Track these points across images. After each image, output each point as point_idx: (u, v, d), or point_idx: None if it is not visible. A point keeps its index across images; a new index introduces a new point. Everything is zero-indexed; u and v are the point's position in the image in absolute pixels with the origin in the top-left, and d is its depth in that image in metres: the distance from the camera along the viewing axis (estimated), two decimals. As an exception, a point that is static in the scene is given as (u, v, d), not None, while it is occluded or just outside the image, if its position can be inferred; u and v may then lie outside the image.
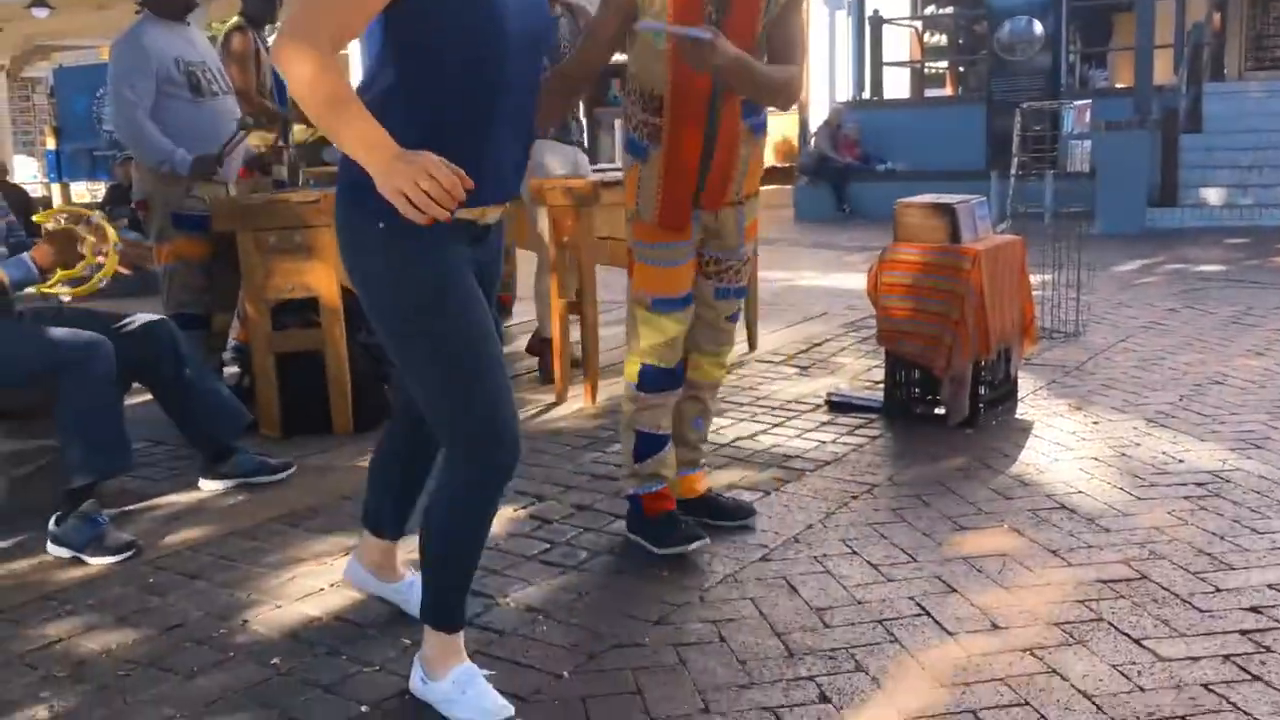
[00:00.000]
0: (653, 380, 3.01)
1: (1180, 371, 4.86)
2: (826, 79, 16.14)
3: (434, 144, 1.89)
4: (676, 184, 2.88)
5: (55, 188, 10.93)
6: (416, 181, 1.78)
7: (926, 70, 16.92)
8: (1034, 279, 4.71)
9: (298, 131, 6.44)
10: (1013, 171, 5.60)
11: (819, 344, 5.64)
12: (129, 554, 3.09)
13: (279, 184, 5.01)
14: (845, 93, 15.80)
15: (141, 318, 3.49)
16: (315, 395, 4.24)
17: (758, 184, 3.08)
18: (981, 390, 4.15)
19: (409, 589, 2.60)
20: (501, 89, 2.06)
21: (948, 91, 16.41)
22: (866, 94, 14.34)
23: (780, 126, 17.88)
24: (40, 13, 10.93)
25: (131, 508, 3.52)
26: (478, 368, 2.09)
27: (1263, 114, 11.90)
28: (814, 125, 15.06)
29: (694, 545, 3.00)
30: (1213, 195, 11.05)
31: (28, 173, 11.92)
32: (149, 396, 3.68)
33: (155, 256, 4.60)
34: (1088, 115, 5.46)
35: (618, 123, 3.16)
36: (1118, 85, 14.57)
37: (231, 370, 4.81)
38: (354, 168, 1.97)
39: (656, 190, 2.90)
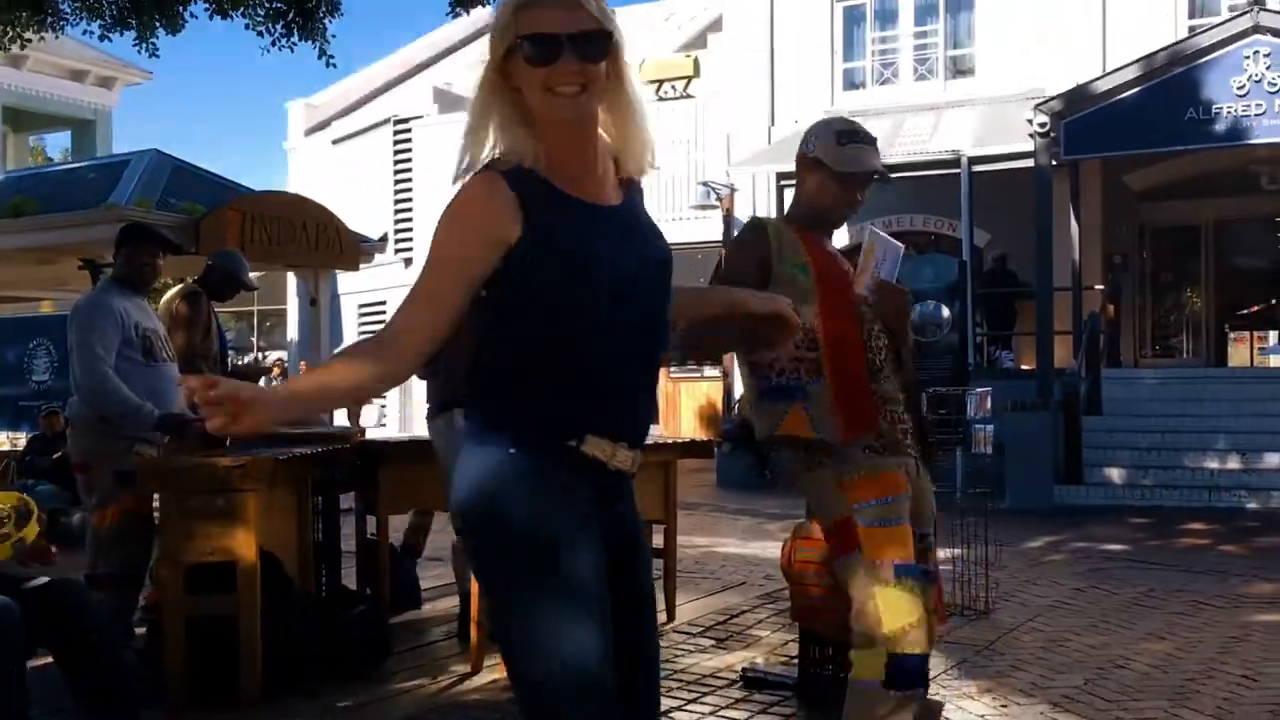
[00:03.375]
0: (914, 672, 2.63)
1: (1085, 654, 4.96)
2: (749, 351, 16.81)
3: (544, 373, 1.96)
4: (849, 386, 2.83)
5: (-25, 436, 10.82)
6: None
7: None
8: (943, 554, 4.83)
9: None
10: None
11: (736, 615, 5.68)
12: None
13: (206, 443, 5.06)
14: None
15: (48, 580, 3.45)
16: (224, 661, 4.16)
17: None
18: (893, 670, 4.20)
19: None
20: (609, 329, 1.97)
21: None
22: (787, 367, 14.92)
23: (705, 390, 18.47)
24: (-21, 263, 11.07)
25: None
26: (570, 641, 1.87)
27: (1158, 399, 12.59)
28: (737, 393, 15.58)
29: None
30: (1115, 474, 11.51)
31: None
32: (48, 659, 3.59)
33: (97, 520, 4.60)
34: (989, 401, 5.79)
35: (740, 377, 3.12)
36: (1023, 367, 15.38)
37: (140, 631, 4.72)
38: (484, 409, 2.01)
39: (831, 404, 2.82)
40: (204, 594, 4.19)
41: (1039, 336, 12.75)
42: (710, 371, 18.14)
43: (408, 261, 20.91)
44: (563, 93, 1.93)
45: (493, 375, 2.02)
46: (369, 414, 10.96)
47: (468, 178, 1.99)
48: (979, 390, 5.80)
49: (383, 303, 21.49)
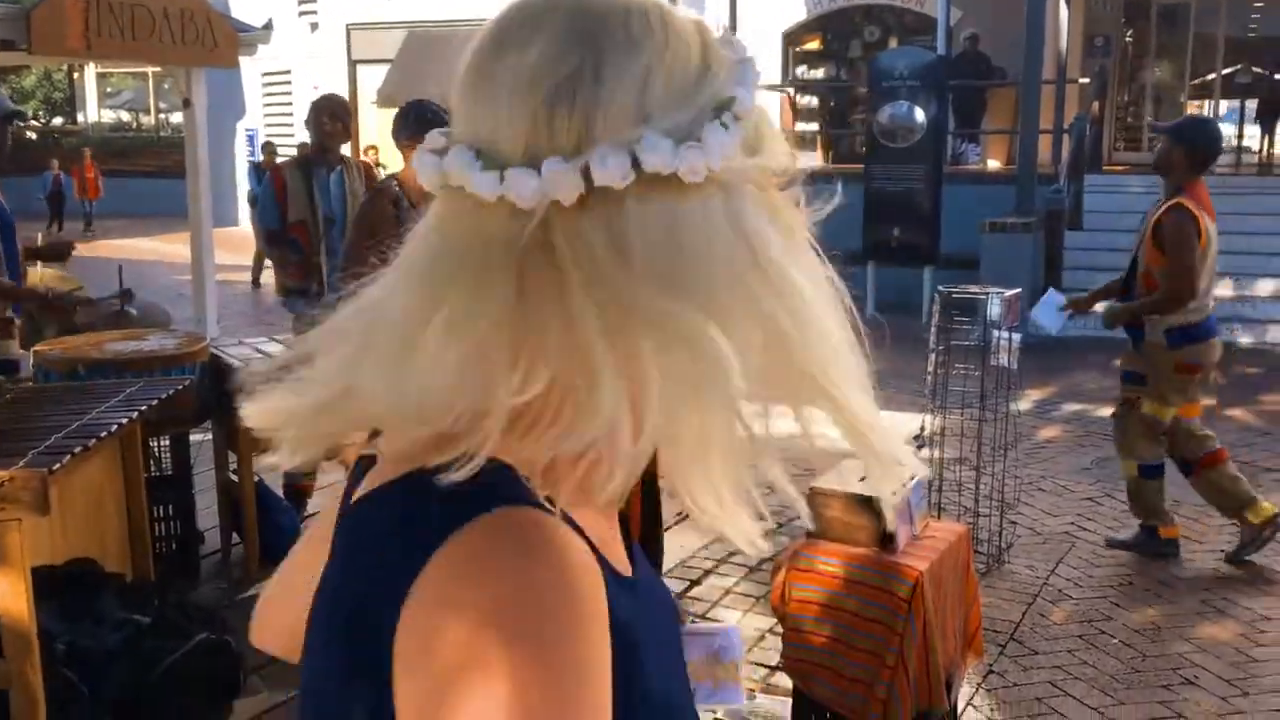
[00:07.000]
0: None
1: (1135, 651, 3.99)
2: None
3: None
4: None
5: None
6: None
7: (797, 132, 16.24)
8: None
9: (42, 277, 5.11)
10: (929, 369, 4.67)
11: (706, 571, 4.59)
12: None
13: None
14: (713, 158, 14.99)
15: None
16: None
17: None
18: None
19: None
20: None
21: (817, 157, 15.73)
22: (736, 163, 13.49)
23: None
24: None
25: None
26: None
27: (1142, 211, 11.44)
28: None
29: None
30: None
31: None
32: None
33: None
34: (1019, 306, 4.59)
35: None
36: (990, 164, 14.15)
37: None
38: None
39: None
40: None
41: (1023, 139, 11.34)
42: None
43: (314, 26, 18.70)
44: None
45: None
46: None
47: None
48: (1008, 293, 4.57)
49: (288, 71, 19.33)
